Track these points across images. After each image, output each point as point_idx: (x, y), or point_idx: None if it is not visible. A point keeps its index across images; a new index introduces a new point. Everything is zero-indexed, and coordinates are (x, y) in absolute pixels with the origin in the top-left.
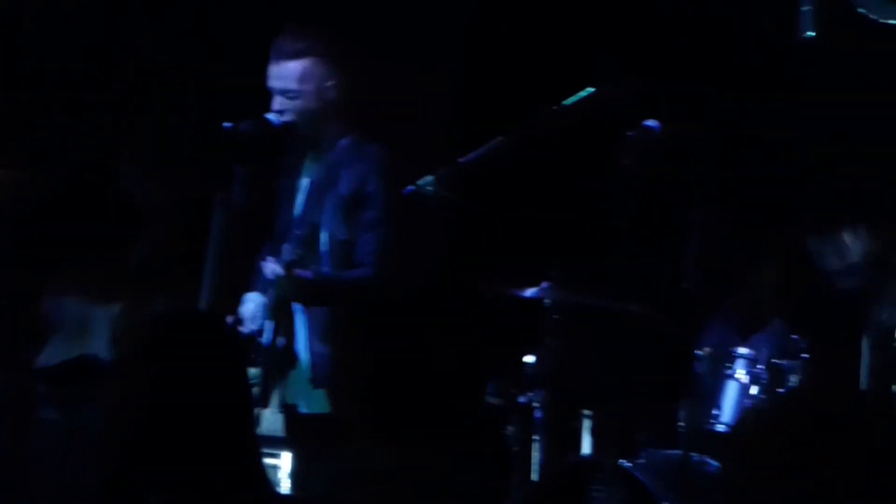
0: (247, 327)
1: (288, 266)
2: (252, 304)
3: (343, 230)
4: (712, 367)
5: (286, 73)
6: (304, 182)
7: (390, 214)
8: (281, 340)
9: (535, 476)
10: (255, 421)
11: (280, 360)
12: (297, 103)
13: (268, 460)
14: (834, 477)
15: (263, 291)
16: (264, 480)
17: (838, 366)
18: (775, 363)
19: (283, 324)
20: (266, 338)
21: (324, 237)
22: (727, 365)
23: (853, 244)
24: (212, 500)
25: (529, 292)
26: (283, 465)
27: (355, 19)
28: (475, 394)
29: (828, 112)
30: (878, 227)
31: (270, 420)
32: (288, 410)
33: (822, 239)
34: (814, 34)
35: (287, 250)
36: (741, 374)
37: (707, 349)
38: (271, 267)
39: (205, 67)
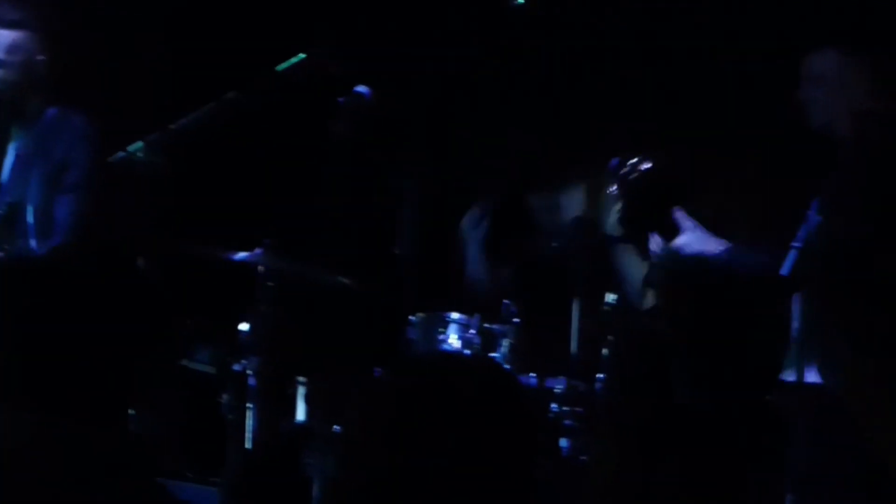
0: None
1: None
2: None
3: (48, 202)
4: (425, 333)
5: None
6: (10, 154)
7: (89, 181)
8: None
9: (249, 444)
10: None
11: None
12: (2, 73)
13: None
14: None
15: None
16: None
17: (548, 330)
18: (487, 327)
19: None
20: None
21: (30, 210)
22: (440, 330)
23: (564, 204)
24: None
25: (241, 256)
26: None
27: None
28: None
29: (540, 74)
30: (587, 188)
31: None
32: None
33: (537, 198)
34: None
35: None
36: (454, 338)
37: (420, 314)
38: None
39: None
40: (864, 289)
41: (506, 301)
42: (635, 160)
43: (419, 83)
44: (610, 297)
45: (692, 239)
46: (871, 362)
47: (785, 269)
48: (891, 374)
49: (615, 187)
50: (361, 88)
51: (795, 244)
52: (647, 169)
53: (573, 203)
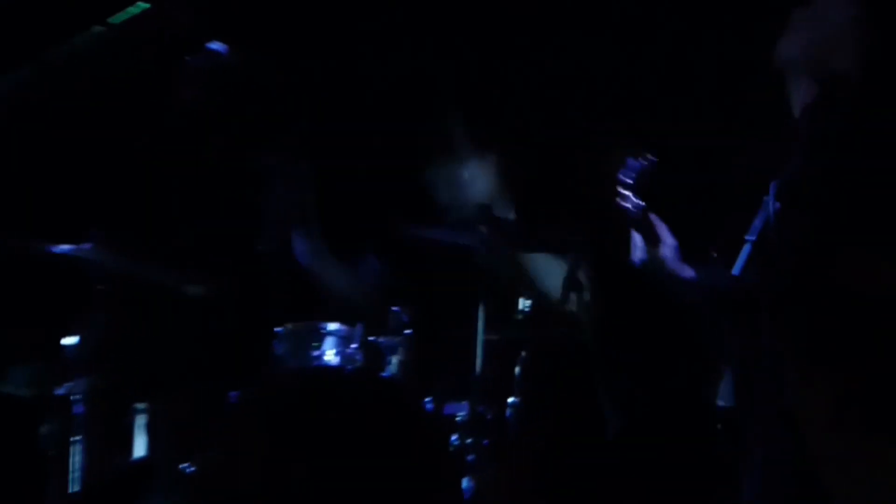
0: None
1: None
2: None
3: None
4: (295, 347)
5: None
6: None
7: None
8: None
9: (74, 485)
10: None
11: None
12: None
13: None
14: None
15: None
16: None
17: (447, 343)
18: (372, 340)
19: None
20: None
21: None
22: (314, 343)
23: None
24: None
25: (64, 250)
26: None
27: None
28: None
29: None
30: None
31: None
32: None
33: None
34: None
35: None
36: (330, 353)
37: (289, 325)
38: None
39: None
40: (821, 294)
41: (394, 308)
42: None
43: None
44: (524, 304)
45: (668, 253)
46: (823, 378)
47: (736, 268)
48: (845, 392)
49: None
50: (217, 45)
51: (749, 237)
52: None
53: (478, 185)
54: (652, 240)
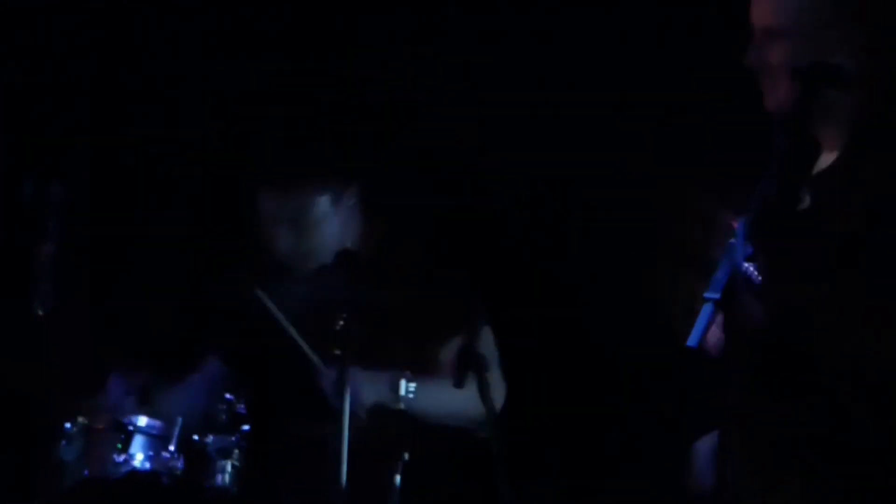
0: None
1: None
2: None
3: None
4: (89, 448)
5: None
6: None
7: None
8: None
9: None
10: None
11: None
12: None
13: None
14: None
15: None
16: None
17: (297, 440)
18: (196, 441)
19: None
20: None
21: None
22: (117, 445)
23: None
24: None
25: None
26: None
27: None
28: None
29: None
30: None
31: None
32: None
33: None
34: None
35: None
36: (140, 457)
37: (81, 420)
38: None
39: None
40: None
41: (228, 395)
42: None
43: None
44: (406, 387)
45: None
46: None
47: (693, 339)
48: None
49: None
50: None
51: (710, 294)
52: None
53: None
54: None
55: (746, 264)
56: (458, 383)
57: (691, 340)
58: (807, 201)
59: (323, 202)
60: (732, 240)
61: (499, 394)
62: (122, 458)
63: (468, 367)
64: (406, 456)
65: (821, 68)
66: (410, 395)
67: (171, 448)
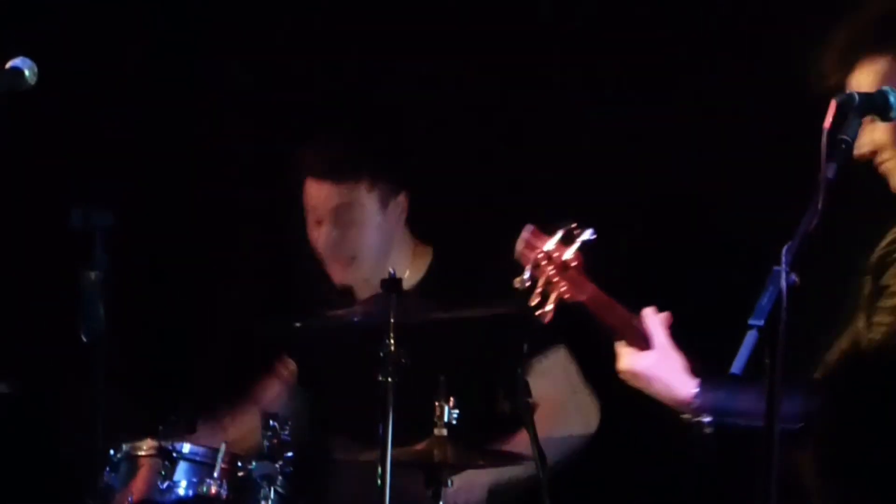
0: None
1: None
2: None
3: None
4: (133, 475)
5: None
6: None
7: None
8: None
9: None
10: None
11: None
12: None
13: None
14: None
15: None
16: None
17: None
18: (242, 466)
19: None
20: None
21: None
22: (161, 472)
23: None
24: None
25: None
26: None
27: None
28: None
29: None
30: None
31: None
32: None
33: None
34: None
35: None
36: (184, 485)
37: (127, 445)
38: None
39: None
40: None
41: (272, 422)
42: None
43: None
44: (449, 414)
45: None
46: None
47: (737, 366)
48: None
49: None
50: None
51: (754, 321)
52: None
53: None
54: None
55: None
56: (502, 409)
57: (735, 368)
58: None
59: (370, 201)
60: (777, 266)
61: (588, 417)
62: (166, 484)
63: (513, 393)
64: (451, 482)
65: (866, 97)
66: (454, 422)
67: (216, 474)
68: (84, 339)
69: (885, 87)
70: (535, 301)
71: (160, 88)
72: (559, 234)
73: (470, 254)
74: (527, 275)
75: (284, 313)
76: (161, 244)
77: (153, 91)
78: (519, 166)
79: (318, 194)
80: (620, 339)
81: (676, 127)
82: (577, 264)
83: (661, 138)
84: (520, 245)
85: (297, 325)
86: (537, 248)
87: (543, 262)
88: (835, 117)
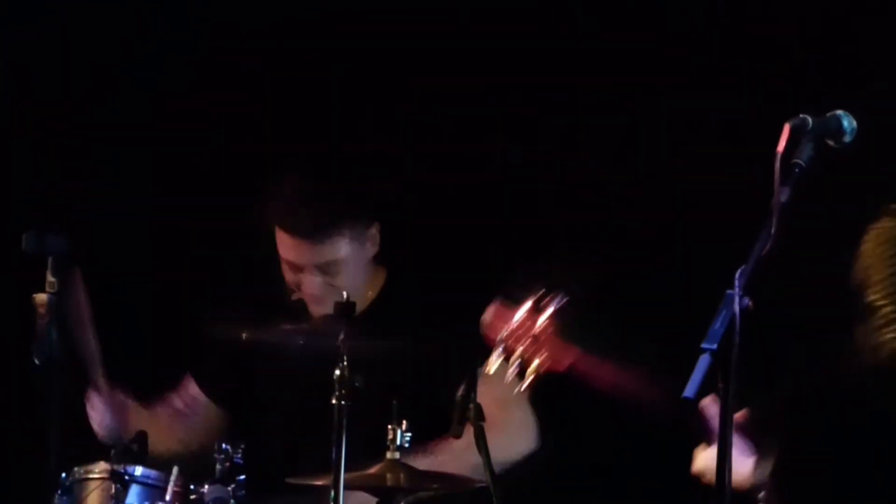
0: None
1: None
2: None
3: None
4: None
5: None
6: None
7: None
8: None
9: None
10: None
11: None
12: None
13: None
14: None
15: None
16: None
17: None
18: (194, 490)
19: None
20: None
21: None
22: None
23: None
24: None
25: None
26: None
27: None
28: None
29: None
30: None
31: None
32: None
33: None
34: None
35: None
36: None
37: (77, 469)
38: None
39: None
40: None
41: (224, 445)
42: None
43: None
44: (400, 436)
45: None
46: None
47: (689, 390)
48: None
49: None
50: None
51: (707, 345)
52: None
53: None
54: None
55: None
56: (456, 433)
57: (687, 392)
58: None
59: (352, 247)
60: (730, 290)
61: (524, 436)
62: None
63: (464, 416)
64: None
65: (822, 122)
66: (406, 445)
67: (168, 498)
68: (37, 362)
69: (839, 111)
70: (511, 376)
71: (117, 114)
72: (527, 305)
73: (422, 275)
74: (495, 355)
75: (234, 323)
76: (115, 264)
77: (110, 115)
78: (474, 188)
79: (298, 252)
80: (615, 397)
81: (627, 152)
82: (551, 332)
83: (612, 167)
84: (486, 322)
85: (244, 336)
86: (505, 323)
87: (514, 338)
88: (788, 141)
